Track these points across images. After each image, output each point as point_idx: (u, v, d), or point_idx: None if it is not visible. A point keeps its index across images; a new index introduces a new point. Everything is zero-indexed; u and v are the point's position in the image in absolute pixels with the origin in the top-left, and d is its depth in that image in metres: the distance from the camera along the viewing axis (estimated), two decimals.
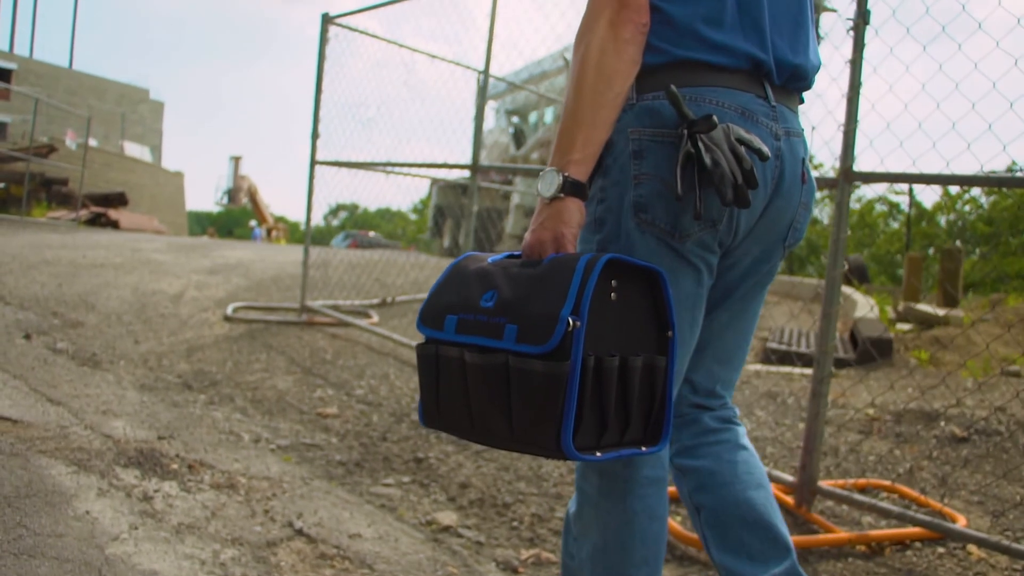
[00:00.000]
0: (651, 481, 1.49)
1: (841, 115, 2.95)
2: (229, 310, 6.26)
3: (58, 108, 18.44)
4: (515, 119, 21.02)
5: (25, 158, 15.37)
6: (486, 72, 5.08)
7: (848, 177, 2.95)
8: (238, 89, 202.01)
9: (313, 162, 6.33)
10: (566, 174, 1.33)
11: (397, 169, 6.09)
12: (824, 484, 3.04)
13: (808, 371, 6.28)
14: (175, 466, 3.03)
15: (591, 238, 1.46)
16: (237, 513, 2.66)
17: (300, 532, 2.56)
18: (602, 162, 1.43)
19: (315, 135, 6.31)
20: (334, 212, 72.63)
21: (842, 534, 2.80)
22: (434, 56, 6.88)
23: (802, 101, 1.59)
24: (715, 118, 1.32)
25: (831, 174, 3.06)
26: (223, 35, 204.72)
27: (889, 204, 25.54)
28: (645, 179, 1.38)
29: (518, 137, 20.28)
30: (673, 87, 1.36)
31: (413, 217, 57.48)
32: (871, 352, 6.66)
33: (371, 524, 2.72)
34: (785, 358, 6.54)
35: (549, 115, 19.95)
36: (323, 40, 6.28)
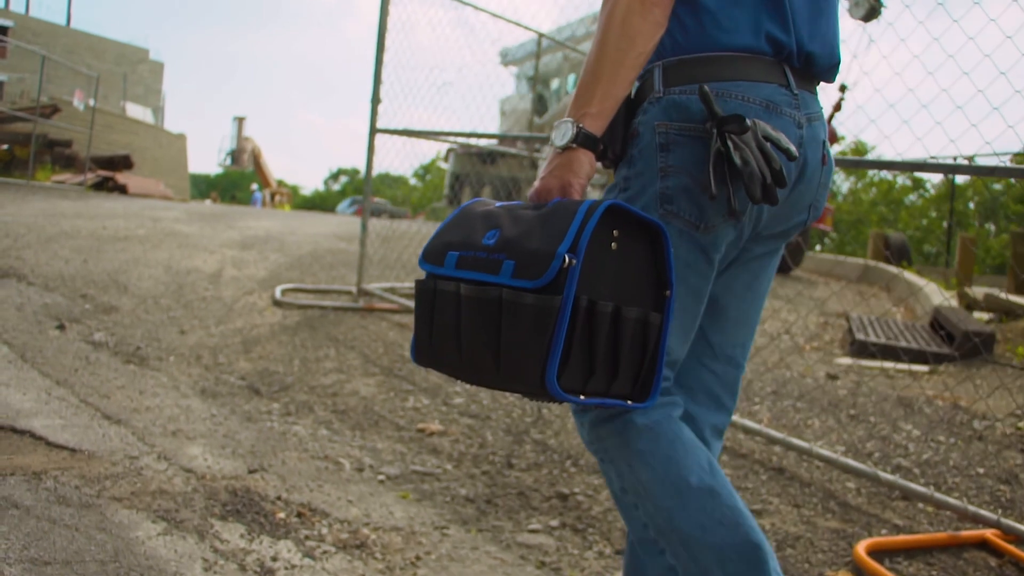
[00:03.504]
0: (647, 427, 1.45)
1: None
2: (277, 293, 5.60)
3: (63, 66, 17.60)
4: (537, 86, 20.20)
5: (31, 118, 14.59)
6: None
7: None
8: (240, 50, 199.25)
9: (373, 130, 5.64)
10: (581, 125, 1.34)
11: (463, 140, 5.40)
12: None
13: (919, 367, 5.69)
14: (282, 515, 2.40)
15: None
16: None
17: None
18: (626, 152, 1.45)
19: (376, 100, 5.61)
20: (334, 177, 71.71)
21: None
22: (497, 16, 6.20)
23: (819, 83, 1.57)
24: (748, 121, 1.33)
25: None
26: None
27: (912, 179, 24.82)
28: (672, 172, 1.40)
29: (540, 103, 19.47)
30: (705, 87, 1.37)
31: (413, 182, 56.59)
32: (971, 348, 6.06)
33: None
34: (885, 352, 5.91)
35: (571, 82, 19.18)
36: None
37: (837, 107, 11.24)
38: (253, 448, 2.97)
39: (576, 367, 1.27)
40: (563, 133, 1.35)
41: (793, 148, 1.38)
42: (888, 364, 5.71)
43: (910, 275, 10.58)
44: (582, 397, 1.28)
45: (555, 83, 19.65)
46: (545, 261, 1.23)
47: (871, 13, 5.39)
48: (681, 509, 1.41)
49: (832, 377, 5.08)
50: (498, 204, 1.41)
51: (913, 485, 2.91)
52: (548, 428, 3.53)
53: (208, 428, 3.11)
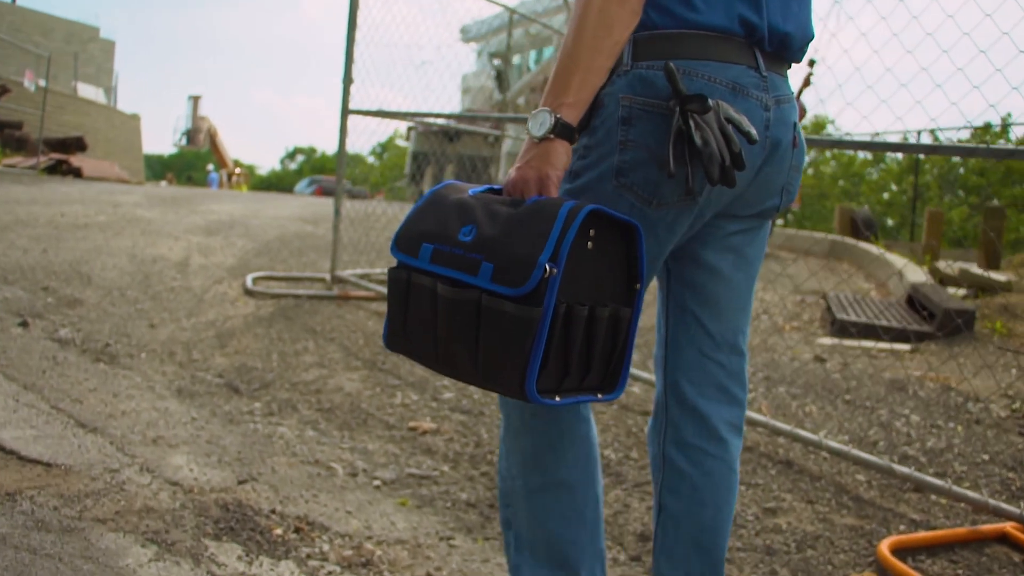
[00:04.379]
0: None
1: None
2: (248, 282, 5.39)
3: (12, 45, 16.99)
4: (497, 62, 19.92)
5: None
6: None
7: None
8: (191, 28, 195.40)
9: (345, 111, 5.43)
10: (558, 115, 1.33)
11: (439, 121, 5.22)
12: None
13: (901, 346, 5.64)
14: (279, 531, 2.24)
15: (562, 186, 1.45)
16: None
17: None
18: (588, 121, 1.43)
19: (348, 80, 5.40)
20: (291, 156, 70.78)
21: None
22: None
23: (790, 66, 1.56)
24: (709, 101, 1.33)
25: None
26: None
27: (874, 154, 24.86)
28: (631, 146, 1.39)
29: (500, 81, 19.19)
30: (671, 64, 1.36)
31: (371, 160, 55.94)
32: (952, 326, 6.02)
33: None
34: (865, 331, 5.85)
35: (533, 58, 18.93)
36: None
37: (806, 82, 11.18)
38: (240, 455, 2.79)
39: (552, 371, 1.28)
40: (540, 123, 1.34)
41: (754, 131, 1.37)
42: (870, 344, 5.65)
43: (879, 250, 10.58)
44: (557, 399, 1.30)
45: (516, 59, 19.40)
46: (526, 269, 1.23)
47: None
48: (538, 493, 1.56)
49: (820, 360, 5.00)
50: (471, 191, 1.40)
51: (931, 479, 2.82)
52: None
53: (190, 433, 2.93)
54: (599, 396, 1.37)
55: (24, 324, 4.07)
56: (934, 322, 6.19)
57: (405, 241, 1.39)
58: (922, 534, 2.56)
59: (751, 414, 3.33)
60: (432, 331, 1.33)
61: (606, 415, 3.55)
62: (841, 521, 2.68)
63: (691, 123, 1.32)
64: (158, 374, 3.67)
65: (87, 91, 27.21)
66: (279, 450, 2.91)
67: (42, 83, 16.26)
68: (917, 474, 2.85)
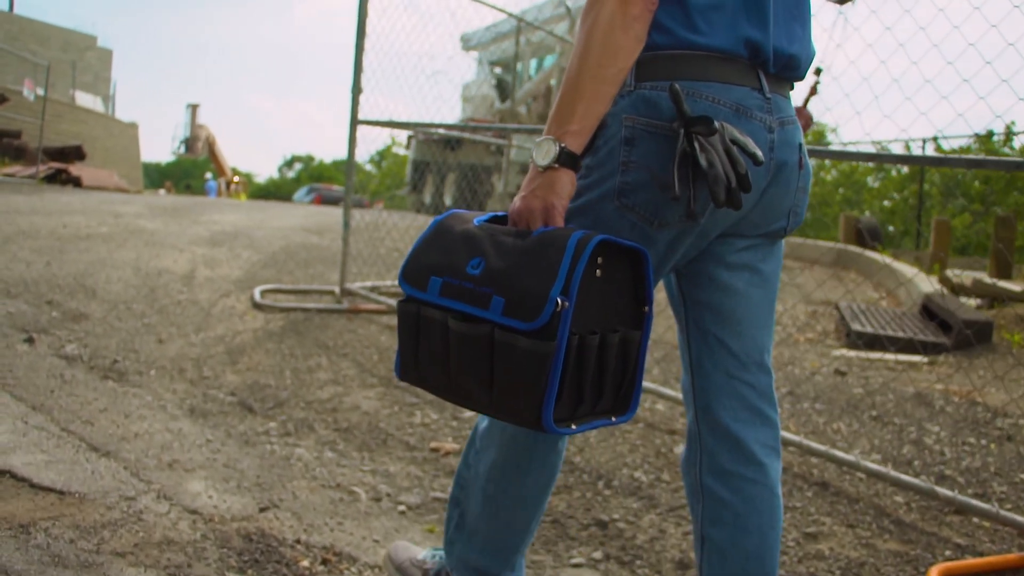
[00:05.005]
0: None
1: None
2: (256, 295, 5.28)
3: (9, 53, 16.88)
4: (497, 70, 19.83)
5: None
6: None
7: None
8: (186, 37, 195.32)
9: (354, 121, 5.33)
10: (563, 144, 1.32)
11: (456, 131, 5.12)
12: None
13: (918, 358, 5.54)
14: (305, 562, 2.14)
15: None
16: None
17: None
18: (592, 141, 1.42)
19: (356, 90, 5.30)
20: (289, 164, 70.67)
21: None
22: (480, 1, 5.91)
23: (793, 87, 1.55)
24: (715, 124, 1.31)
25: None
26: None
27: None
28: (633, 167, 1.38)
29: (501, 89, 19.09)
30: (676, 85, 1.34)
31: (369, 168, 55.84)
32: (969, 337, 5.93)
33: None
34: (884, 343, 5.75)
35: (533, 67, 18.80)
36: None
37: (813, 91, 11.11)
38: (258, 479, 2.69)
39: (567, 399, 1.28)
40: (545, 152, 1.32)
41: (760, 153, 1.36)
42: (889, 356, 5.56)
43: (887, 259, 10.49)
44: (573, 427, 1.30)
45: (518, 66, 19.29)
46: (538, 303, 1.22)
47: None
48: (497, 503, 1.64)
49: (840, 373, 4.91)
50: (476, 221, 1.39)
51: (977, 503, 2.72)
52: (570, 443, 3.30)
53: (206, 457, 2.82)
54: (613, 419, 1.37)
55: (30, 340, 3.96)
56: (951, 333, 6.10)
57: (413, 274, 1.39)
58: (972, 560, 2.46)
59: (783, 433, 3.24)
60: (444, 364, 1.33)
61: (633, 435, 3.45)
62: (884, 546, 2.58)
63: (696, 145, 1.31)
64: (169, 392, 3.56)
65: (85, 100, 27.08)
66: (298, 473, 2.80)
67: (40, 92, 16.13)
68: (961, 497, 2.75)
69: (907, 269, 9.22)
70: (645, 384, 3.61)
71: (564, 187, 1.33)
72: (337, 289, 5.60)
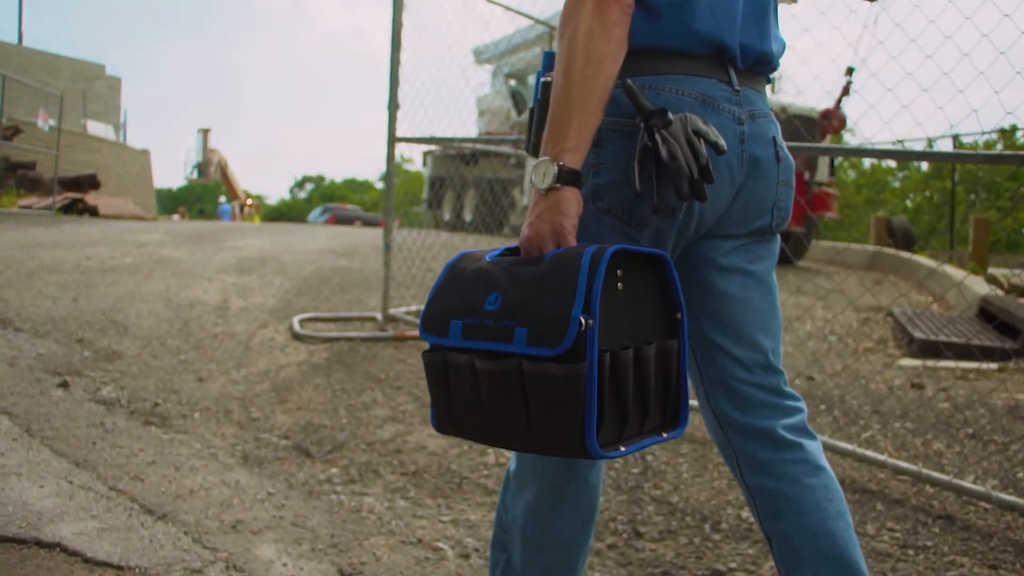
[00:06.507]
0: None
1: None
2: (295, 325, 5.02)
3: (22, 85, 16.73)
4: (513, 83, 19.61)
5: None
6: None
7: None
8: (190, 62, 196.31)
9: (392, 138, 5.07)
10: (561, 163, 1.28)
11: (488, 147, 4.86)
12: None
13: (988, 366, 5.24)
14: None
15: None
16: None
17: None
18: None
19: (393, 106, 5.04)
20: (300, 184, 70.66)
21: None
22: (510, 9, 5.66)
23: (769, 81, 1.54)
24: (670, 114, 1.30)
25: None
26: (180, 5, 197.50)
27: (898, 162, 24.37)
28: (603, 168, 1.37)
29: (517, 102, 18.86)
30: (629, 81, 1.33)
31: (380, 185, 55.76)
32: None
33: None
34: (955, 352, 5.44)
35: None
36: None
37: (845, 91, 10.81)
38: (332, 538, 2.41)
39: (610, 421, 1.24)
40: (543, 174, 1.29)
41: (722, 142, 1.33)
42: (959, 364, 5.26)
43: (931, 262, 10.19)
44: (622, 448, 1.25)
45: (532, 79, 19.07)
46: (561, 327, 1.18)
47: None
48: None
49: (918, 387, 4.60)
50: (488, 257, 1.35)
51: None
52: (663, 481, 3.01)
53: (271, 515, 2.55)
54: (664, 435, 1.33)
55: (64, 385, 3.71)
56: (1020, 338, 5.79)
57: (432, 322, 1.34)
58: None
59: (900, 463, 2.95)
60: (479, 408, 1.28)
61: (727, 469, 3.16)
62: None
63: (657, 138, 1.28)
64: (217, 437, 3.29)
65: (97, 128, 27.02)
66: (373, 528, 2.53)
67: (52, 123, 15.98)
68: None
69: (956, 272, 8.91)
70: None
71: (570, 206, 1.29)
72: (379, 315, 5.34)
